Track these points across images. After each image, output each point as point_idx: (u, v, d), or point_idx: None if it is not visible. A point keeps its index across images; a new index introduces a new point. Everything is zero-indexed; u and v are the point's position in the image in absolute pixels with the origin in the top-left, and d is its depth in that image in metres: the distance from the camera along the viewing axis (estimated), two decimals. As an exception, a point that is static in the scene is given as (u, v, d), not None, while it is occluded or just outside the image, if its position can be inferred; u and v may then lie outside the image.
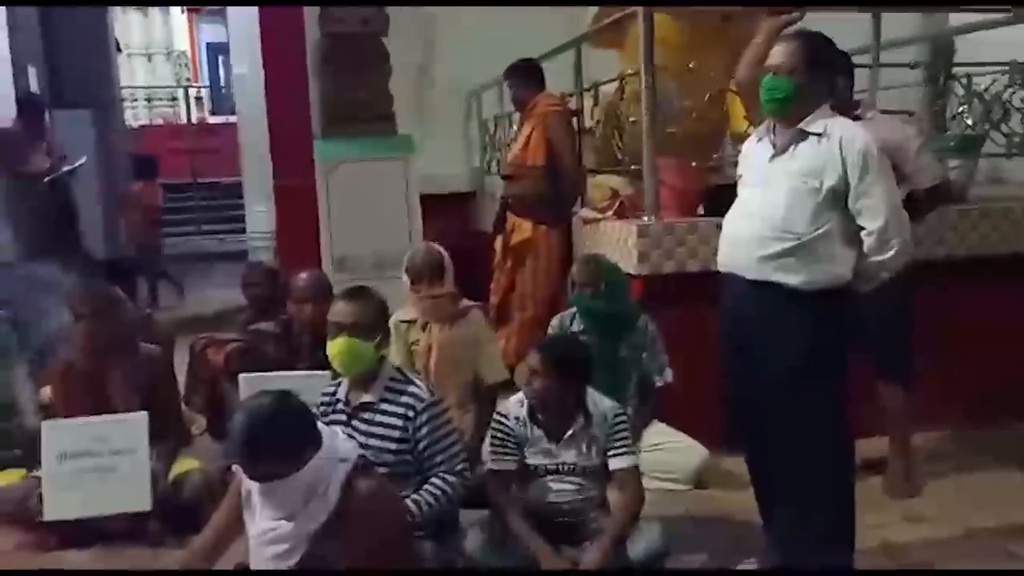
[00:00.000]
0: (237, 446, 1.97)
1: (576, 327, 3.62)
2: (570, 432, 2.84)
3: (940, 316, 3.71)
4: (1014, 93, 4.29)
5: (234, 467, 2.17)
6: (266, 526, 2.09)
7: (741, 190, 2.70)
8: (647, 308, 3.75)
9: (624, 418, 2.92)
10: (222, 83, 16.88)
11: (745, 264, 2.60)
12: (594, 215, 4.25)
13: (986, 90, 4.35)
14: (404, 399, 2.71)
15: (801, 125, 2.53)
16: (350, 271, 5.72)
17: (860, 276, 2.54)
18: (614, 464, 2.85)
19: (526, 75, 4.64)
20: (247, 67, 7.76)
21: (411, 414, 2.69)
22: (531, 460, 2.85)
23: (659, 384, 3.69)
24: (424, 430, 2.69)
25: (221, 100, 16.35)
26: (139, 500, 3.12)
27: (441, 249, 3.69)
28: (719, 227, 3.74)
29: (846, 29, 3.44)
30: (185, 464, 3.37)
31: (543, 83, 4.65)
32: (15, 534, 3.22)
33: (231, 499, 2.21)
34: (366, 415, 2.72)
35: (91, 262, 6.06)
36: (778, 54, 2.53)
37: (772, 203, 2.55)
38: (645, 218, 3.86)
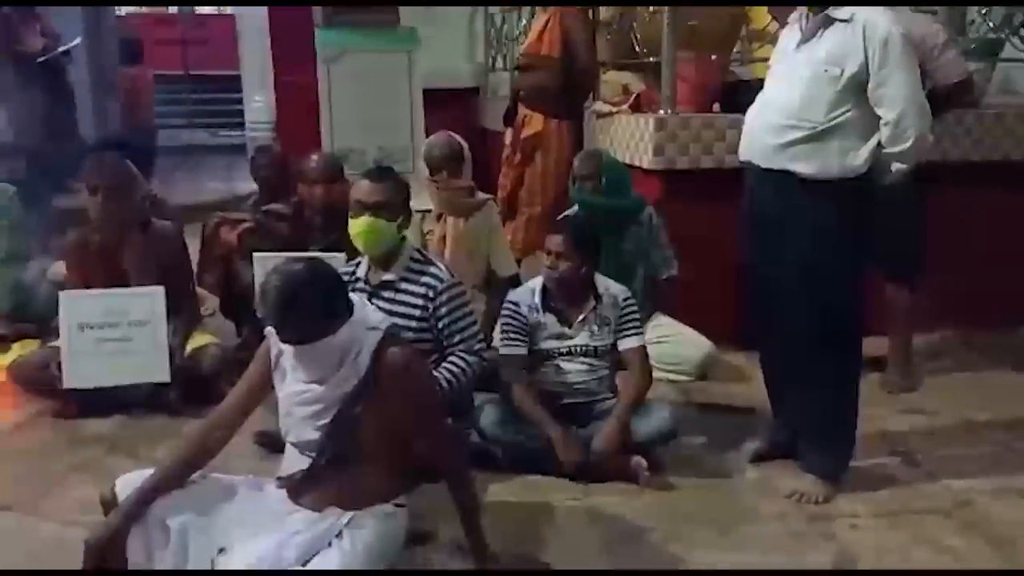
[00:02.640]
0: (271, 308, 1.99)
1: (580, 224, 3.64)
2: (582, 316, 2.89)
3: (950, 218, 3.74)
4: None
5: (266, 330, 2.19)
6: (297, 388, 2.14)
7: (768, 79, 2.68)
8: (657, 203, 3.77)
9: (633, 301, 2.98)
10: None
11: (761, 153, 2.61)
12: (608, 108, 4.21)
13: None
14: (424, 279, 2.74)
15: (829, 11, 2.50)
16: (351, 165, 5.69)
17: (876, 168, 2.55)
18: (624, 344, 2.93)
19: None
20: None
21: (431, 294, 2.73)
22: (543, 345, 2.91)
23: (664, 278, 3.74)
24: (444, 310, 2.73)
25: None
26: (157, 371, 3.18)
27: (461, 140, 3.67)
28: (735, 124, 3.80)
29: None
30: (200, 339, 3.42)
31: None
32: (38, 401, 3.28)
33: (259, 362, 2.24)
34: (386, 294, 2.75)
35: (85, 145, 5.97)
36: None
37: (791, 91, 2.54)
38: (662, 111, 3.82)
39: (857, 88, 2.47)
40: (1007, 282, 4.13)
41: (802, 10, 2.61)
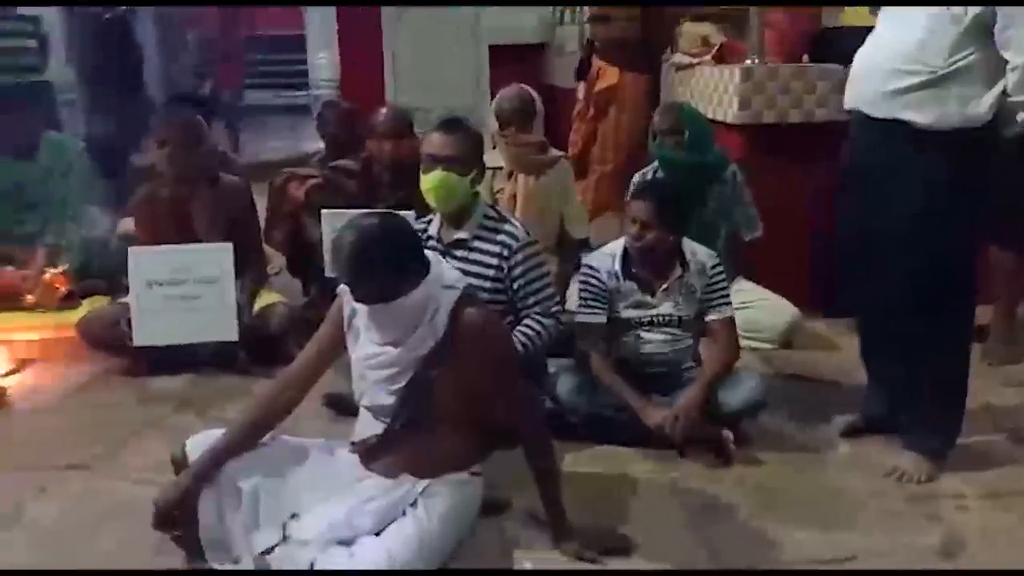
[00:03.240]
0: (345, 265, 1.89)
1: (658, 182, 3.45)
2: (666, 285, 2.72)
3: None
4: None
5: (338, 289, 2.09)
6: (371, 351, 2.04)
7: (878, 21, 2.45)
8: (740, 160, 3.56)
9: (722, 268, 2.80)
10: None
11: (872, 100, 2.38)
12: (689, 60, 3.99)
13: None
14: (500, 237, 2.61)
15: None
16: (416, 124, 5.58)
17: (999, 119, 2.30)
18: (711, 315, 2.76)
19: None
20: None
21: (506, 253, 2.60)
22: (623, 314, 2.75)
23: (747, 239, 3.54)
24: (519, 270, 2.60)
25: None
26: (226, 329, 3.12)
27: (533, 93, 3.51)
28: (827, 75, 3.56)
29: None
30: (267, 298, 3.36)
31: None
32: (107, 358, 3.27)
33: (331, 322, 2.15)
34: (459, 252, 2.63)
35: (153, 102, 5.94)
36: None
37: (907, 33, 2.31)
38: (748, 61, 3.59)
39: (981, 30, 2.23)
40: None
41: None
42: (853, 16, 4.06)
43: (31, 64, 5.27)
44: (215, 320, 3.11)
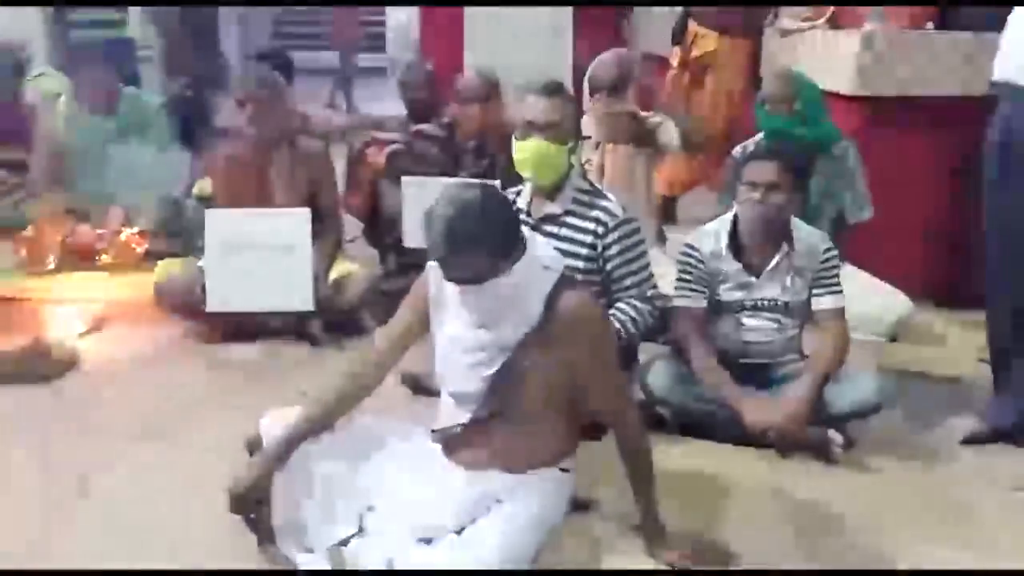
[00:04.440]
0: (438, 241, 1.72)
1: (762, 157, 3.19)
2: (774, 263, 2.49)
3: None
4: None
5: (428, 264, 1.93)
6: (460, 333, 1.88)
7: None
8: (854, 135, 3.27)
9: (835, 252, 2.55)
10: None
11: None
12: (799, 24, 3.68)
13: None
14: (594, 213, 2.41)
15: None
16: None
17: None
18: (821, 304, 2.52)
19: None
20: None
21: (601, 230, 2.40)
22: (724, 296, 2.54)
23: (854, 222, 3.26)
24: (614, 248, 2.41)
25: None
26: (301, 299, 3.00)
27: (633, 58, 3.27)
28: (956, 44, 3.24)
29: None
30: (343, 267, 3.24)
31: None
32: (183, 324, 3.19)
33: (416, 299, 2.00)
34: (550, 228, 2.44)
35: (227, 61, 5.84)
36: None
37: None
38: (870, 25, 3.27)
39: None
40: None
41: None
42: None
43: (112, 20, 5.23)
44: (290, 288, 2.99)
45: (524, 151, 2.37)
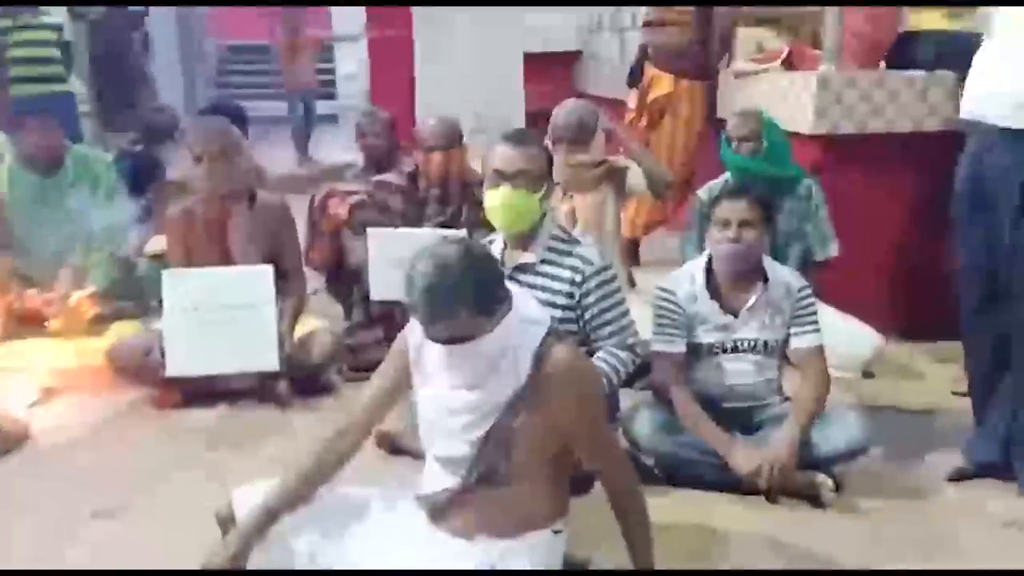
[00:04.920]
0: (420, 301, 1.64)
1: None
2: (751, 302, 2.47)
3: None
4: None
5: (408, 326, 1.85)
6: (445, 395, 1.79)
7: (1003, 19, 2.18)
8: (815, 173, 3.30)
9: (811, 290, 2.55)
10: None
11: (1002, 109, 2.13)
12: (753, 67, 3.73)
13: None
14: (571, 261, 2.36)
15: None
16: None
17: None
18: (799, 343, 2.51)
19: None
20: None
21: (578, 278, 2.34)
22: (703, 339, 2.50)
23: (821, 259, 3.28)
24: (593, 296, 2.35)
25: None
26: (266, 359, 2.88)
27: (595, 109, 3.26)
28: (910, 83, 3.31)
29: None
30: (308, 324, 3.13)
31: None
32: (138, 389, 3.04)
33: (397, 359, 1.91)
34: (525, 277, 2.37)
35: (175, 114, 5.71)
36: None
37: None
38: (825, 67, 3.33)
39: None
40: None
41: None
42: (925, 19, 3.80)
43: (55, 74, 5.06)
44: (254, 348, 2.87)
45: (494, 200, 2.31)
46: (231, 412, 2.97)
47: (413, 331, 1.84)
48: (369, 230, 3.03)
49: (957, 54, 3.20)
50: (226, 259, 2.97)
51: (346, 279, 3.35)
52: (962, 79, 3.15)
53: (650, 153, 3.30)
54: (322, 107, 10.18)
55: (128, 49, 6.43)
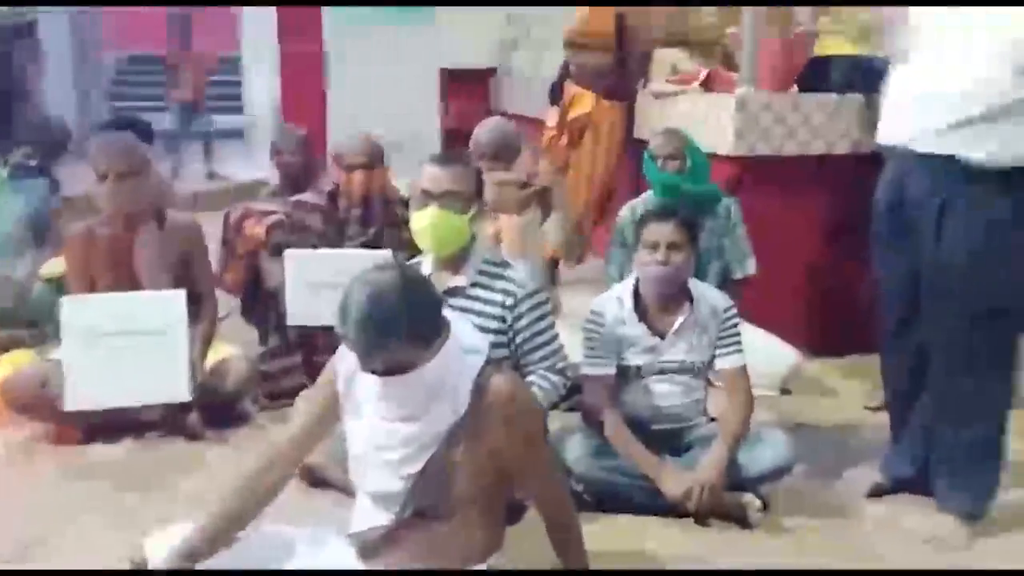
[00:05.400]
0: (355, 332, 1.56)
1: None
2: (678, 324, 2.48)
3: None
4: None
5: (336, 353, 1.76)
6: (380, 428, 1.71)
7: (917, 46, 2.26)
8: (733, 193, 3.37)
9: (735, 310, 2.58)
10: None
11: (918, 134, 2.20)
12: (672, 88, 3.79)
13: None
14: (502, 284, 2.32)
15: None
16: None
17: None
18: (724, 363, 2.53)
19: None
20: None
21: (510, 302, 2.30)
22: (632, 361, 2.50)
23: (739, 277, 3.34)
24: (524, 321, 2.32)
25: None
26: (176, 389, 2.72)
27: (513, 127, 3.24)
28: (822, 105, 3.42)
29: None
30: (220, 350, 2.98)
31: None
32: (34, 425, 2.82)
33: (324, 390, 1.82)
34: (455, 301, 2.31)
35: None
36: None
37: (958, 62, 2.13)
38: (742, 89, 3.40)
39: None
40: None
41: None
42: (831, 46, 3.94)
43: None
44: (163, 378, 2.70)
45: (422, 221, 2.26)
46: (138, 447, 2.79)
47: (343, 360, 1.76)
48: (287, 252, 2.92)
49: (865, 77, 3.34)
50: (132, 283, 2.80)
51: (262, 303, 3.22)
52: (871, 102, 3.30)
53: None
54: (230, 121, 9.88)
55: (7, 61, 6.10)
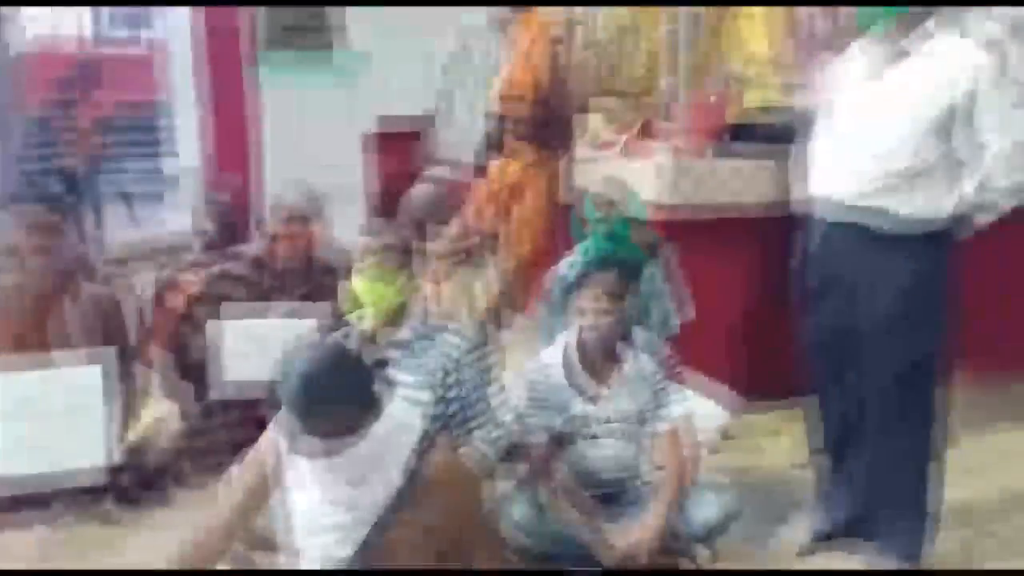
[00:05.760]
0: (296, 403, 1.54)
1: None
2: (618, 378, 2.48)
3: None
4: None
5: (270, 431, 1.72)
6: (320, 499, 1.68)
7: (829, 118, 2.35)
8: (662, 248, 3.41)
9: (673, 361, 2.61)
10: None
11: (833, 202, 2.29)
12: (596, 153, 3.85)
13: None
14: (441, 344, 2.31)
15: (903, 43, 2.22)
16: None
17: (971, 213, 2.24)
18: (666, 415, 2.53)
19: None
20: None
21: (450, 364, 2.28)
22: (571, 421, 2.49)
23: (671, 331, 3.36)
24: (465, 379, 2.29)
25: (118, 13, 14.86)
26: (96, 468, 2.59)
27: (442, 191, 3.23)
28: (744, 165, 3.51)
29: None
30: (145, 423, 2.87)
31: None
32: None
33: (259, 461, 1.77)
34: (394, 360, 2.26)
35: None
36: None
37: (867, 132, 2.24)
38: (663, 155, 3.47)
39: (942, 129, 2.19)
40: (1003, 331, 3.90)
41: (865, 39, 2.31)
42: (755, 100, 4.04)
43: None
44: (80, 458, 2.58)
45: (359, 278, 2.25)
46: (53, 531, 2.64)
47: (280, 435, 1.71)
48: (212, 321, 2.83)
49: (780, 142, 3.44)
50: (48, 358, 2.67)
51: (186, 373, 3.11)
52: (790, 160, 3.39)
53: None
54: (160, 170, 9.65)
55: None
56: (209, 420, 2.95)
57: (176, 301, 3.06)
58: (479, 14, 4.50)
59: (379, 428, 1.63)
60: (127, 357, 2.87)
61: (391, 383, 1.71)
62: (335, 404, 1.57)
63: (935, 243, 2.25)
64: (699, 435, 3.23)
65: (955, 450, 3.20)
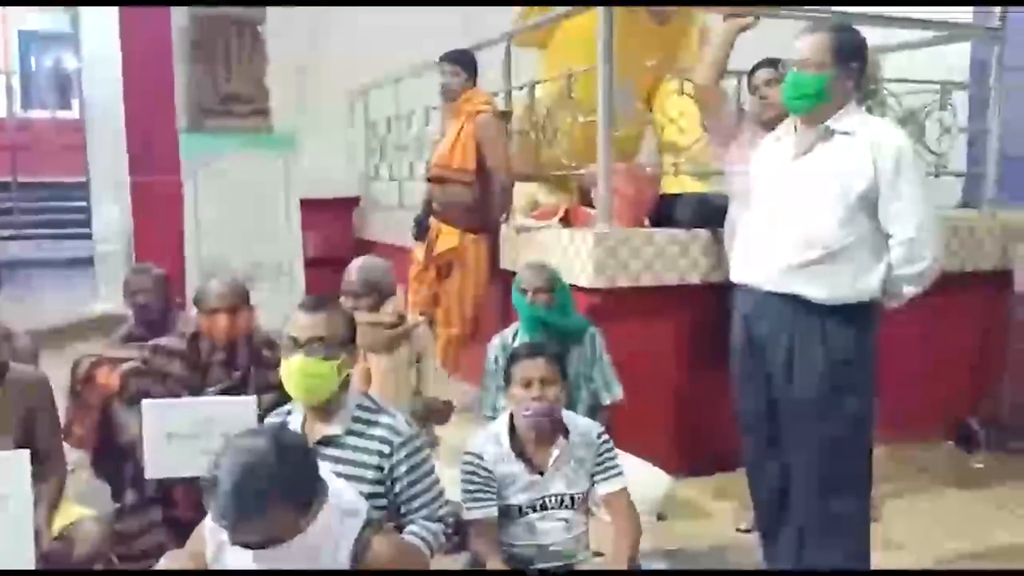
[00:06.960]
0: (226, 503, 1.49)
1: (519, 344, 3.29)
2: (555, 457, 2.50)
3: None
4: (930, 113, 4.34)
5: (208, 519, 1.67)
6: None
7: (759, 195, 2.49)
8: (595, 323, 3.50)
9: (607, 436, 2.63)
10: (36, 72, 14.92)
11: (765, 276, 2.40)
12: (533, 223, 3.95)
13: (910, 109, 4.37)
14: (378, 432, 2.27)
15: (828, 123, 2.35)
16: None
17: (886, 292, 2.38)
18: (605, 488, 2.55)
19: (465, 65, 4.24)
20: (99, 52, 6.93)
21: (387, 450, 2.25)
22: (514, 500, 2.49)
23: (607, 404, 3.43)
24: (403, 467, 2.25)
25: (34, 93, 14.60)
26: (18, 561, 2.45)
27: (385, 264, 3.25)
28: (674, 240, 3.65)
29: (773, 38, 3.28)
30: (69, 512, 2.73)
31: (476, 78, 4.29)
32: None
33: (190, 556, 1.71)
34: (330, 451, 2.23)
35: None
36: (805, 48, 2.33)
37: (796, 209, 2.36)
38: (600, 226, 3.59)
39: (867, 204, 2.32)
40: (931, 395, 4.10)
41: (790, 121, 2.47)
42: (677, 183, 4.22)
43: None
44: (3, 550, 2.44)
45: (289, 369, 2.20)
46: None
47: (212, 529, 1.67)
48: (144, 402, 2.74)
49: (711, 214, 3.61)
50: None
51: (115, 456, 2.99)
52: (716, 236, 3.55)
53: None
54: (78, 249, 9.40)
55: None
56: (141, 502, 2.84)
57: (110, 378, 2.96)
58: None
59: (323, 516, 1.60)
60: (57, 439, 2.75)
61: (323, 483, 1.67)
62: (268, 512, 1.52)
63: (867, 309, 2.36)
64: (643, 503, 3.29)
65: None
